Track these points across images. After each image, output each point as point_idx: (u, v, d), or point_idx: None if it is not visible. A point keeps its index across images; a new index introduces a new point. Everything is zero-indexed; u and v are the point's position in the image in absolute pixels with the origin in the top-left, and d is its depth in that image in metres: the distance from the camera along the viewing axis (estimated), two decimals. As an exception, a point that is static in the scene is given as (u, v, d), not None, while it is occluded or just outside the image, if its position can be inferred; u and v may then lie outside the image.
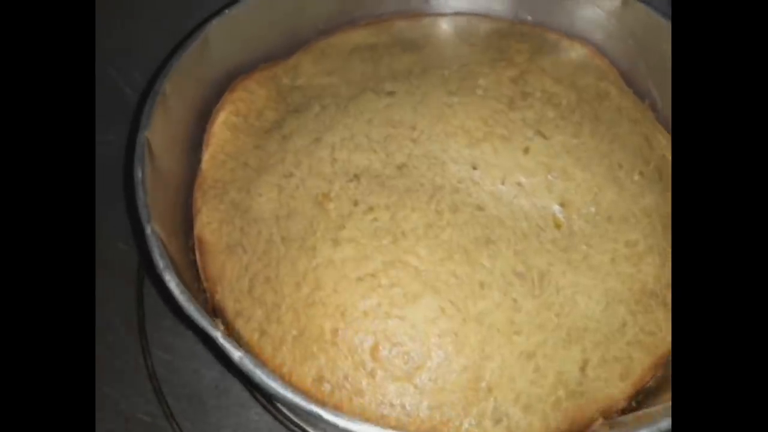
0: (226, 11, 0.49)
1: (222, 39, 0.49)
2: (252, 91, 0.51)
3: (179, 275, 0.38)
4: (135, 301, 0.52)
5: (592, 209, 0.46)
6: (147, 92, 0.44)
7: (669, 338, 0.44)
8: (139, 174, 0.41)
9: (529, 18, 0.58)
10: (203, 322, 0.36)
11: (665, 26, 0.52)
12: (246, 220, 0.45)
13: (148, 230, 0.39)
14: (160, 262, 0.38)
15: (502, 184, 0.45)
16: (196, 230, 0.46)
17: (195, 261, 0.46)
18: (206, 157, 0.49)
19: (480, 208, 0.44)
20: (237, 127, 0.50)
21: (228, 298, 0.44)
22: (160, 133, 0.44)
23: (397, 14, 0.58)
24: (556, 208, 0.45)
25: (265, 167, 0.47)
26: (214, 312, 0.44)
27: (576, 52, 0.56)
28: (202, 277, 0.45)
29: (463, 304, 0.41)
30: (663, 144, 0.51)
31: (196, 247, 0.46)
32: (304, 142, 0.48)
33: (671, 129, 0.53)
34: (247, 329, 0.42)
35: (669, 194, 0.48)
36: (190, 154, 0.49)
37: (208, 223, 0.46)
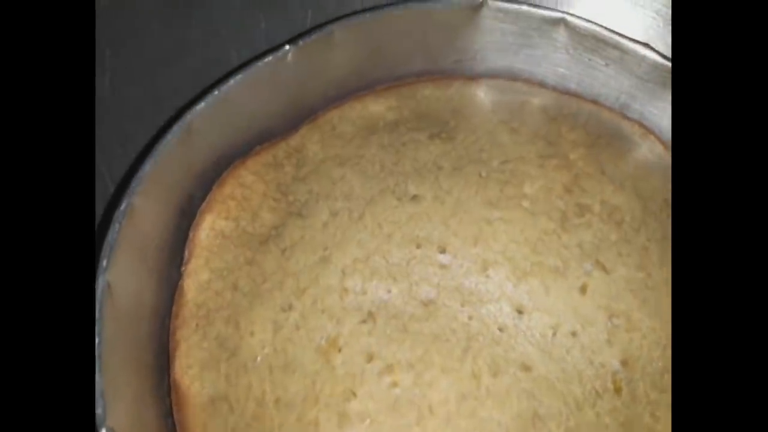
0: (215, 92, 0.39)
1: (209, 123, 0.40)
2: (246, 185, 0.42)
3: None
4: None
5: (659, 368, 0.37)
6: (111, 208, 0.34)
7: None
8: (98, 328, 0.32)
9: (578, 89, 0.49)
10: None
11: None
12: (233, 365, 0.37)
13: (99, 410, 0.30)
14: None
15: (554, 334, 0.37)
16: (174, 374, 0.37)
17: (170, 407, 0.37)
18: (188, 273, 0.39)
19: (526, 367, 0.36)
20: (226, 234, 0.40)
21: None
22: (126, 261, 0.34)
23: (422, 76, 0.49)
24: (616, 365, 0.37)
25: (260, 293, 0.38)
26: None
27: (636, 137, 0.46)
28: (178, 433, 0.37)
29: None
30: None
31: (172, 393, 0.37)
32: (308, 261, 0.38)
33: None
34: None
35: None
36: (168, 268, 0.39)
37: (188, 366, 0.37)
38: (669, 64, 0.45)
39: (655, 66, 0.45)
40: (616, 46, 0.45)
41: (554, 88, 0.48)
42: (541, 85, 0.48)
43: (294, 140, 0.44)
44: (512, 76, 0.49)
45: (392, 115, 0.46)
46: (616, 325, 0.37)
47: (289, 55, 0.42)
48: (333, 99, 0.47)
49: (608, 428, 0.35)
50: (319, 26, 0.43)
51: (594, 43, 0.46)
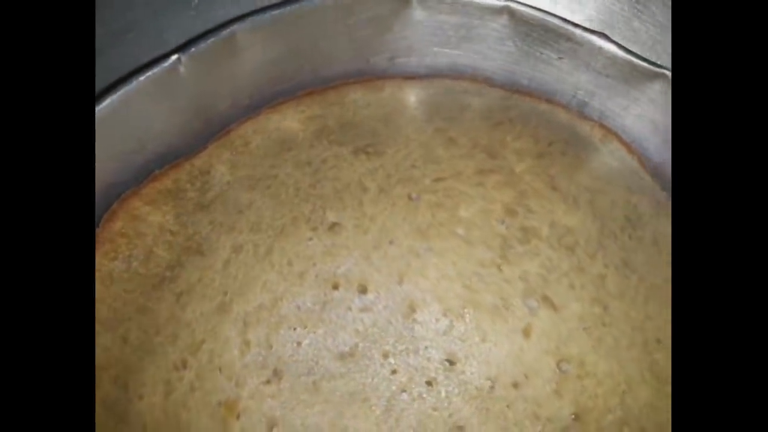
0: (96, 110, 0.33)
1: (97, 148, 0.34)
2: (140, 217, 0.36)
3: None
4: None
5: (617, 419, 0.32)
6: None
7: None
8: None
9: (532, 85, 0.43)
10: None
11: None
12: (119, 436, 0.31)
13: None
14: None
15: (492, 387, 0.31)
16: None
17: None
18: (66, 327, 0.34)
19: (459, 428, 0.30)
20: (115, 277, 0.34)
21: None
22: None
23: (351, 78, 0.42)
24: (567, 420, 0.31)
25: (151, 348, 0.33)
26: None
27: (596, 140, 0.41)
28: None
29: None
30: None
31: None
32: (205, 308, 0.33)
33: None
34: None
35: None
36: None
37: (64, 439, 0.32)
38: (629, 56, 0.39)
39: (614, 59, 0.39)
40: (569, 37, 0.39)
41: (503, 86, 0.42)
42: (488, 82, 0.42)
43: (200, 160, 0.39)
44: (455, 74, 0.43)
45: (314, 125, 0.40)
46: (566, 372, 0.32)
47: (181, 65, 0.36)
48: (246, 110, 0.41)
49: (557, 497, 0.30)
50: (216, 28, 0.37)
51: (543, 33, 0.40)
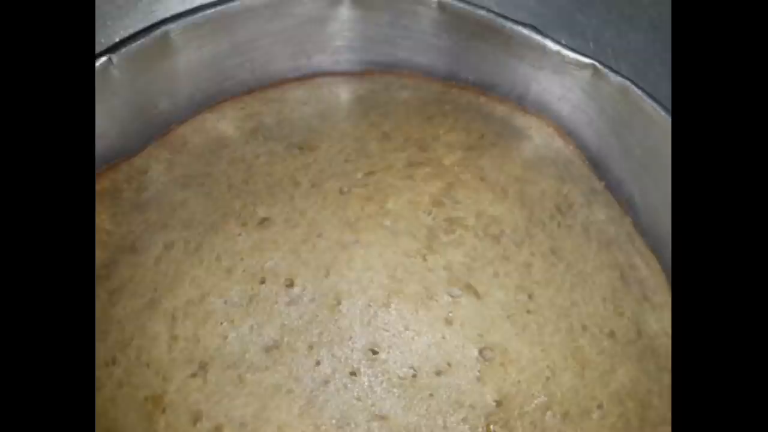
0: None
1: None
2: (72, 217, 0.36)
3: None
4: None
5: (541, 404, 0.32)
6: None
7: None
8: None
9: (471, 78, 0.43)
10: None
11: (648, 107, 0.38)
12: (47, 433, 0.32)
13: None
14: None
15: (414, 375, 0.32)
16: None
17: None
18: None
19: (381, 417, 0.31)
20: (47, 276, 0.35)
21: None
22: None
23: (291, 76, 0.43)
24: (490, 406, 0.32)
25: (81, 345, 0.33)
26: None
27: (531, 131, 0.41)
28: None
29: None
30: (642, 274, 0.38)
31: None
32: (135, 305, 0.33)
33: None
34: None
35: (651, 360, 0.35)
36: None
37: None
38: (558, 47, 0.39)
39: (544, 50, 0.40)
40: (499, 30, 0.40)
41: (440, 80, 0.43)
42: (426, 77, 0.43)
43: (139, 160, 0.39)
44: (392, 70, 0.43)
45: (252, 123, 0.40)
46: (489, 359, 0.32)
47: (113, 66, 0.36)
48: (187, 109, 0.41)
49: (478, 482, 0.31)
50: (148, 28, 0.37)
51: (476, 27, 0.40)
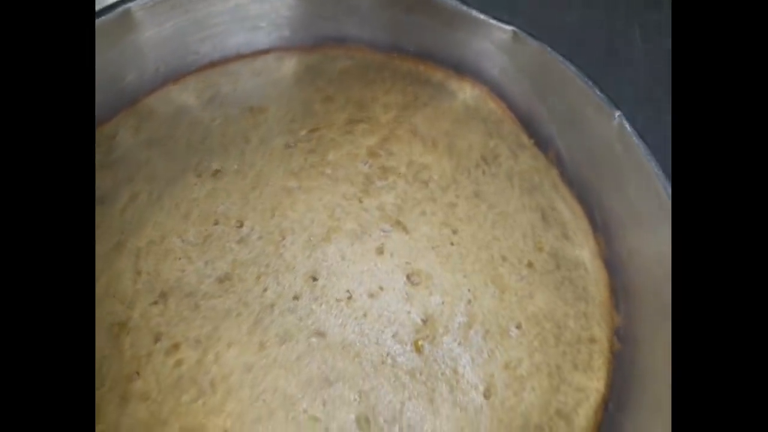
0: None
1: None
2: (48, 175, 0.41)
3: None
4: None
5: (463, 323, 0.37)
6: None
7: (559, 485, 0.36)
8: None
9: (412, 49, 0.48)
10: None
11: (562, 68, 0.42)
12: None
13: None
14: None
15: (350, 298, 0.36)
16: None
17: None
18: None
19: (320, 333, 0.35)
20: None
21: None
22: None
23: (246, 51, 0.47)
24: (417, 324, 0.36)
25: (56, 283, 0.37)
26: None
27: (465, 94, 0.46)
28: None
29: (282, 482, 0.32)
30: (564, 217, 0.42)
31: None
32: (103, 248, 0.38)
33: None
34: None
35: (569, 289, 0.39)
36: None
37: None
38: (481, 15, 0.44)
39: (472, 20, 0.44)
40: (431, 3, 0.45)
41: (383, 51, 0.48)
42: (372, 49, 0.48)
43: (108, 128, 0.43)
44: (338, 43, 0.48)
45: (210, 92, 0.45)
46: (416, 284, 0.37)
47: (81, 39, 0.41)
48: (153, 82, 0.46)
49: (406, 388, 0.35)
50: (110, 6, 0.42)
51: (411, 1, 0.45)
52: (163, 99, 0.45)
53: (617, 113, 0.39)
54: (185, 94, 0.45)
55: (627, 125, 0.39)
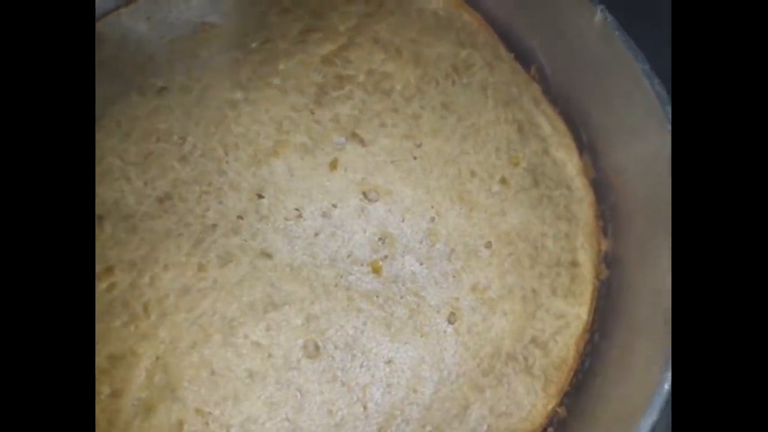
0: None
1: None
2: None
3: None
4: None
5: (426, 242, 0.33)
6: None
7: (535, 417, 0.32)
8: None
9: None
10: None
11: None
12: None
13: None
14: None
15: (300, 216, 0.33)
16: None
17: None
18: None
19: (266, 255, 0.32)
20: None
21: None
22: None
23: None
24: (375, 243, 0.33)
25: None
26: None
27: (436, 4, 0.41)
28: None
29: (220, 412, 0.29)
30: (544, 132, 0.38)
31: None
32: (39, 171, 0.35)
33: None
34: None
35: (548, 208, 0.36)
36: None
37: None
38: None
39: None
40: None
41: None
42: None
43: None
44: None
45: (162, 12, 0.41)
46: (373, 200, 0.33)
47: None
48: (103, 7, 0.43)
49: (362, 312, 0.31)
50: None
51: None
52: (113, 23, 0.42)
53: (600, 7, 0.35)
54: (136, 16, 0.42)
55: (609, 17, 0.35)
